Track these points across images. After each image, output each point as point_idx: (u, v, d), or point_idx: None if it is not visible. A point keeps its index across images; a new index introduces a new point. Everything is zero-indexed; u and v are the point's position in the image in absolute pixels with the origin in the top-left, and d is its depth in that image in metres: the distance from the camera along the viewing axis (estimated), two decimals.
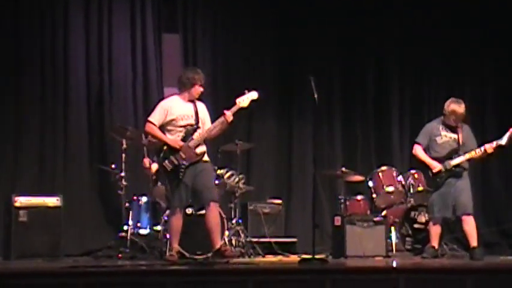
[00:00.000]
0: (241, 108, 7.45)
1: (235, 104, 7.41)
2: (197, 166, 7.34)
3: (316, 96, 7.16)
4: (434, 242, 8.14)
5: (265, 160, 10.01)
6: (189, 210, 7.86)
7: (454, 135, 8.15)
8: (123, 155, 8.37)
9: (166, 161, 7.30)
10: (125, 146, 8.40)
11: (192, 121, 7.42)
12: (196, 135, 7.36)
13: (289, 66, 10.18)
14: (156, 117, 7.43)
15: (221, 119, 7.39)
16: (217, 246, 7.30)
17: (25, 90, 9.20)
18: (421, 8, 10.45)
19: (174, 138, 7.35)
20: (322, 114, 9.92)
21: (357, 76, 10.49)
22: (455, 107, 8.13)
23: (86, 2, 9.46)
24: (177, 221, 7.37)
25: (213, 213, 7.32)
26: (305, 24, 10.20)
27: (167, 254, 7.43)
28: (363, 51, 10.47)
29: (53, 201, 8.26)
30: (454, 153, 8.10)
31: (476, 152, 8.05)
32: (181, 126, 7.38)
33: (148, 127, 7.44)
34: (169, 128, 7.40)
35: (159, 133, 7.40)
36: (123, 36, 9.58)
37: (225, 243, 7.75)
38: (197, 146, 7.35)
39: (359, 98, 10.49)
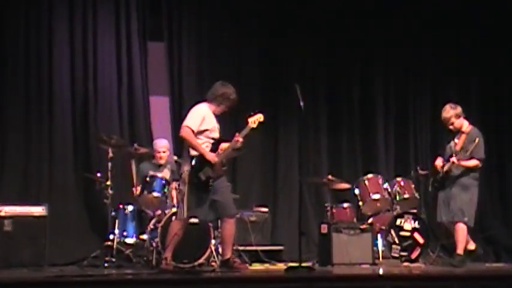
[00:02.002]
0: (252, 129, 7.37)
1: (247, 123, 7.34)
2: (219, 181, 7.29)
3: (301, 104, 7.17)
4: (459, 249, 7.98)
5: (251, 168, 9.99)
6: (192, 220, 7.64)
7: (457, 141, 8.15)
8: (109, 164, 8.32)
9: (201, 173, 7.17)
10: (110, 154, 8.36)
11: (218, 134, 7.33)
12: (223, 151, 7.26)
13: (275, 74, 10.18)
14: (194, 122, 7.19)
15: (233, 141, 7.27)
16: (227, 256, 7.34)
17: (9, 99, 9.15)
18: (406, 17, 10.52)
19: (209, 152, 7.20)
20: (307, 122, 9.93)
21: (342, 84, 10.50)
22: (443, 111, 8.15)
23: (70, 11, 9.42)
24: (182, 231, 7.28)
25: (229, 225, 7.34)
26: (291, 33, 10.22)
27: (163, 263, 7.25)
28: (349, 59, 10.49)
29: (38, 210, 8.20)
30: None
31: (450, 162, 7.99)
32: (211, 139, 7.26)
33: (185, 132, 7.17)
34: (199, 137, 7.22)
35: (196, 141, 7.18)
36: (108, 44, 9.54)
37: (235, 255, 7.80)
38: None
39: (344, 106, 10.49)
